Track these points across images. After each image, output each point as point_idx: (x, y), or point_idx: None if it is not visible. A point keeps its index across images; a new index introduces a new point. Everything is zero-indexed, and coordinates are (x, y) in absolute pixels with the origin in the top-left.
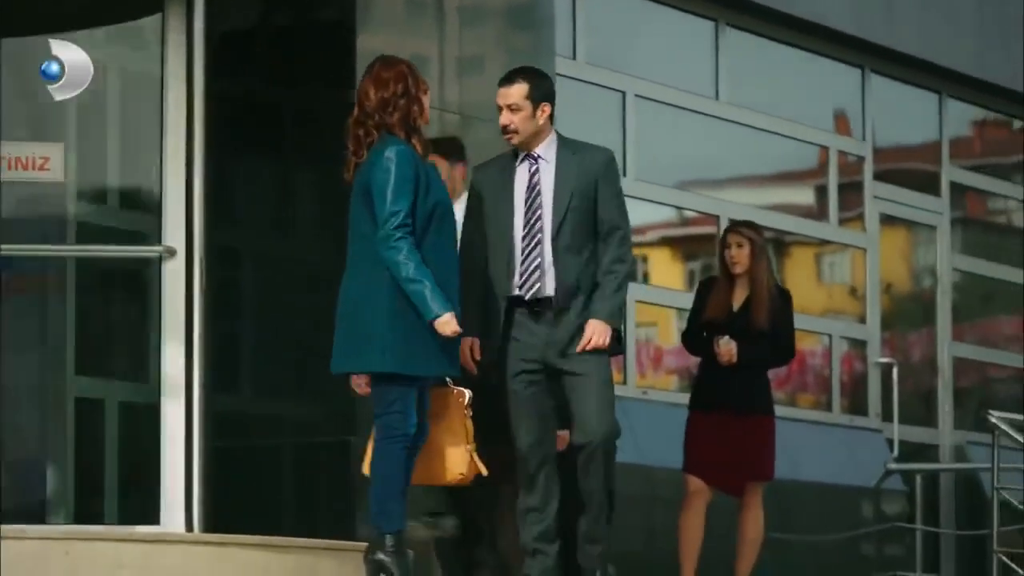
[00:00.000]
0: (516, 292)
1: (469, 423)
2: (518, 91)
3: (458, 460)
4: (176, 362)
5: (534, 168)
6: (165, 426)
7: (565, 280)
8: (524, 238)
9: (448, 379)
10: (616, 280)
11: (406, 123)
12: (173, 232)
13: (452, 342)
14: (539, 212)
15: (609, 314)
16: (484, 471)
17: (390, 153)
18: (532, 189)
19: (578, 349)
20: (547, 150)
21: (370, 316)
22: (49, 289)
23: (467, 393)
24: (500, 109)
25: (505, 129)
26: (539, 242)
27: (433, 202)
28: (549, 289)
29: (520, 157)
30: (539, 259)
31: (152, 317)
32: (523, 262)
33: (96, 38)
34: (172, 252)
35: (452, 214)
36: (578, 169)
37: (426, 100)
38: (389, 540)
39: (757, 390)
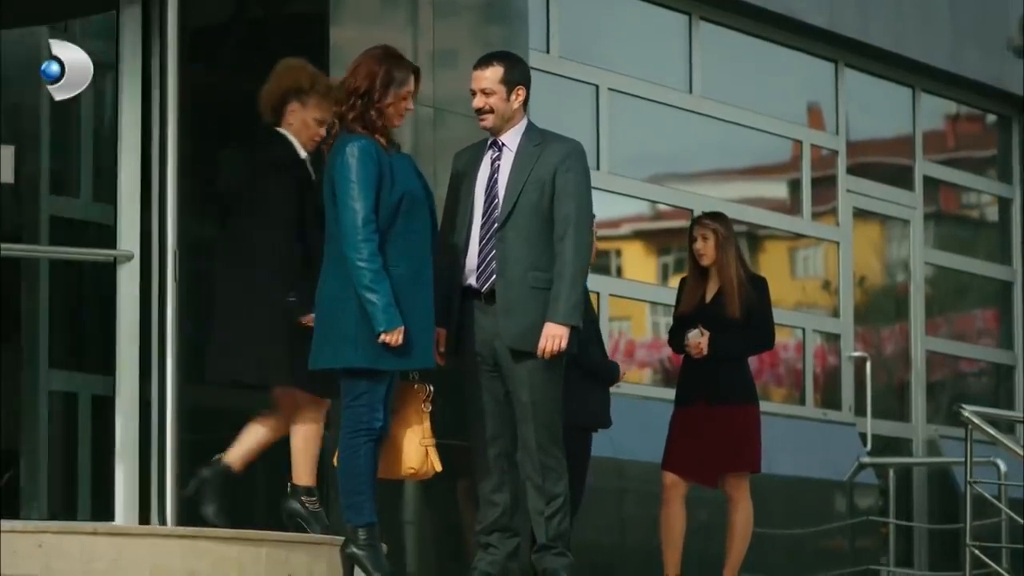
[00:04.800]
0: (471, 283)
1: (427, 419)
2: (493, 74)
3: (411, 455)
4: (148, 355)
5: (496, 156)
6: (139, 420)
7: (511, 273)
8: (482, 227)
9: (413, 374)
10: (567, 279)
11: (362, 120)
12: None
13: (425, 336)
14: (496, 202)
15: (564, 316)
16: (438, 467)
17: (351, 148)
18: (491, 178)
19: (537, 353)
20: (512, 138)
21: (342, 312)
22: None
23: (428, 388)
24: (474, 93)
25: (479, 111)
26: (495, 232)
27: (399, 194)
28: (489, 281)
29: (488, 144)
30: (495, 250)
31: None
32: (480, 252)
33: (69, 32)
34: (128, 256)
35: (424, 204)
36: (537, 160)
37: (391, 110)
38: (361, 533)
39: (735, 380)
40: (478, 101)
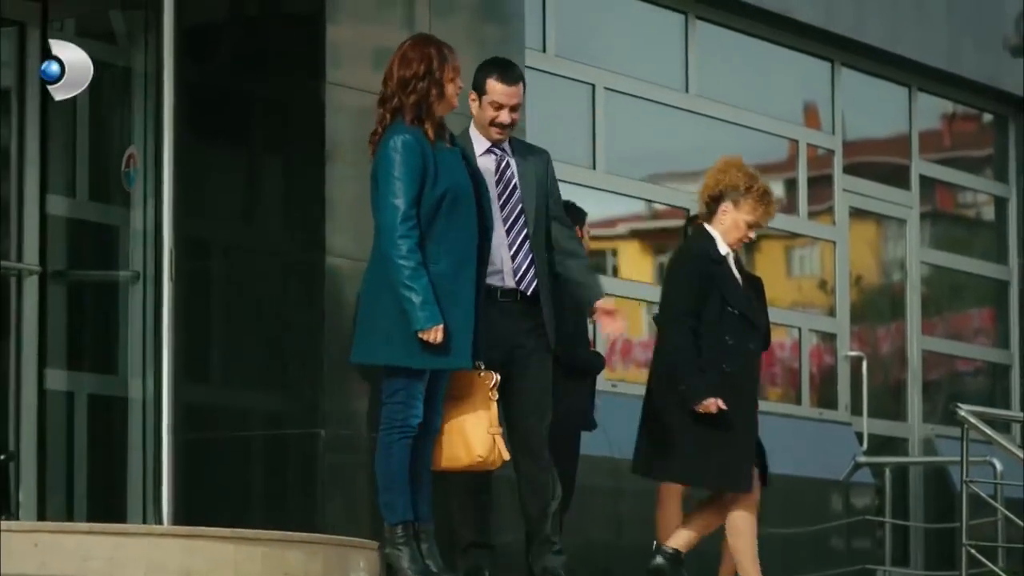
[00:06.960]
0: (504, 284)
1: (494, 406)
2: (521, 89)
3: (479, 443)
4: (145, 354)
5: (502, 160)
6: (134, 418)
7: (543, 274)
8: (508, 232)
9: (479, 362)
10: (588, 264)
11: (420, 107)
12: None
13: (463, 335)
14: (520, 206)
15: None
16: (506, 456)
17: (395, 142)
18: (508, 182)
19: (605, 332)
20: (505, 144)
21: (378, 308)
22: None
23: (495, 376)
24: (500, 107)
25: (504, 127)
26: (526, 236)
27: (442, 190)
28: (534, 283)
29: (485, 148)
30: (531, 254)
31: (122, 309)
32: (514, 255)
33: (65, 31)
34: (33, 271)
35: (467, 198)
36: (534, 167)
37: (451, 87)
38: (397, 531)
39: None
40: (508, 117)
